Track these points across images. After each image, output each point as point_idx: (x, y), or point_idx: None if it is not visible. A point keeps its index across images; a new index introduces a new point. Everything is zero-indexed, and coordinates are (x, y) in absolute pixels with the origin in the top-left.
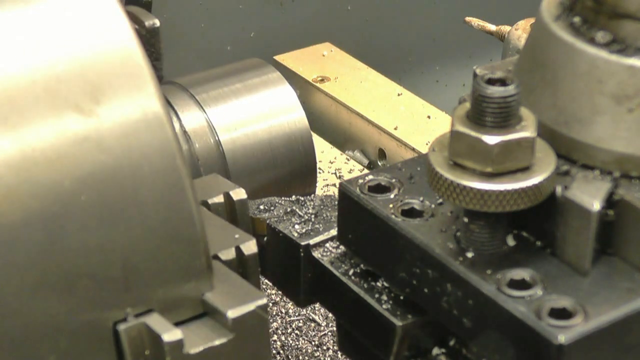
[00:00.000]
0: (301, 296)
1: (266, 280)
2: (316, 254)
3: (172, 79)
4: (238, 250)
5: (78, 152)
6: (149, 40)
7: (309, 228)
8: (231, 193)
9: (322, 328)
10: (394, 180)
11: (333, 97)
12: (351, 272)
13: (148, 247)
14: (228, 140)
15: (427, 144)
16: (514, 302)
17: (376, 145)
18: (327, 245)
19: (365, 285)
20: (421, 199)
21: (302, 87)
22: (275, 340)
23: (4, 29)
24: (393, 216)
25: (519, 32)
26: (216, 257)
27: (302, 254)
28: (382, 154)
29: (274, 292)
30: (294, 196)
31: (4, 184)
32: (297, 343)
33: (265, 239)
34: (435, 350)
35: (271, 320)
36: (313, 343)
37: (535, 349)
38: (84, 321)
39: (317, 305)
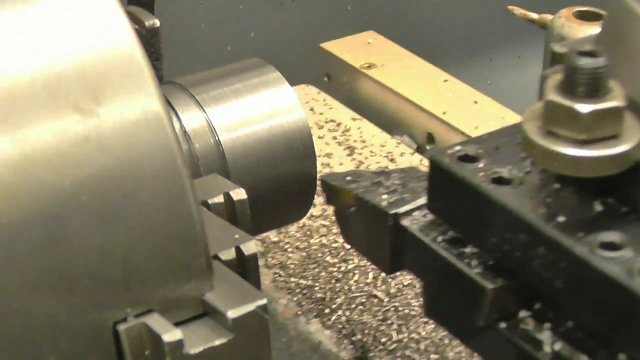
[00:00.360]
0: (389, 263)
1: (328, 258)
2: (404, 222)
3: (172, 79)
4: (238, 250)
5: (78, 152)
6: (149, 40)
7: (397, 198)
8: (231, 193)
9: (384, 304)
10: (480, 150)
11: (381, 83)
12: (439, 239)
13: (148, 247)
14: (228, 140)
15: (475, 128)
16: (606, 263)
17: (425, 129)
18: (415, 214)
19: (455, 251)
20: (509, 168)
21: (349, 73)
22: (340, 315)
23: (4, 29)
24: (484, 184)
25: (562, 20)
26: (216, 257)
27: (390, 223)
28: (430, 138)
29: (335, 269)
30: (377, 168)
31: (4, 183)
32: (361, 318)
33: (351, 209)
34: (522, 313)
35: (335, 297)
36: (377, 318)
37: (628, 307)
38: (84, 321)
39: (379, 282)
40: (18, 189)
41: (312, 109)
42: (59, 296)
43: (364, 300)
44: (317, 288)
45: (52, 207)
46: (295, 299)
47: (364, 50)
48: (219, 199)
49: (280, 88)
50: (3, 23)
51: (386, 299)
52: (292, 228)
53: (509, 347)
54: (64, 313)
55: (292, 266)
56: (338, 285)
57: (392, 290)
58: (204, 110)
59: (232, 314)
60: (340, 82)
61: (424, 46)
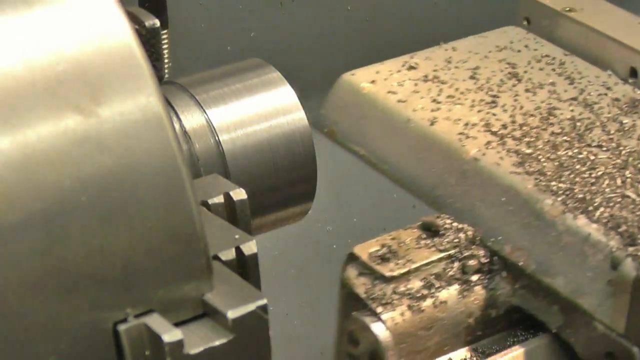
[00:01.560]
0: None
1: (577, 167)
2: None
3: (172, 79)
4: (238, 250)
5: (79, 153)
6: (149, 40)
7: None
8: (231, 193)
9: (637, 202)
10: None
11: (583, 24)
12: None
13: (148, 247)
14: (228, 140)
15: None
16: None
17: (627, 64)
18: None
19: None
20: None
21: (551, 16)
22: (602, 212)
23: (4, 29)
24: None
25: None
26: (216, 257)
27: None
28: (633, 72)
29: (586, 175)
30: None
31: (4, 184)
32: (621, 213)
33: None
34: None
35: (594, 197)
36: (635, 214)
37: None
38: (85, 322)
39: (628, 185)
40: (18, 189)
41: (526, 46)
42: (59, 296)
43: (619, 200)
44: (576, 190)
45: (52, 207)
46: (559, 199)
47: None
48: (219, 199)
49: (281, 88)
50: (3, 23)
51: (638, 199)
52: (539, 142)
53: None
54: (64, 313)
55: (549, 173)
56: (594, 188)
57: None
58: (204, 111)
59: (232, 314)
60: (540, 26)
61: None
